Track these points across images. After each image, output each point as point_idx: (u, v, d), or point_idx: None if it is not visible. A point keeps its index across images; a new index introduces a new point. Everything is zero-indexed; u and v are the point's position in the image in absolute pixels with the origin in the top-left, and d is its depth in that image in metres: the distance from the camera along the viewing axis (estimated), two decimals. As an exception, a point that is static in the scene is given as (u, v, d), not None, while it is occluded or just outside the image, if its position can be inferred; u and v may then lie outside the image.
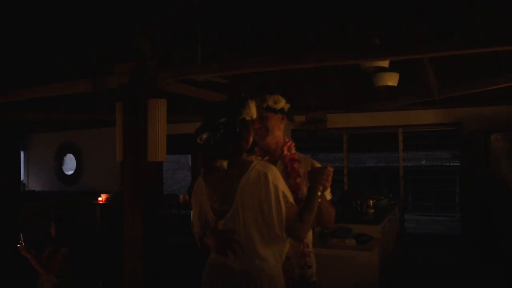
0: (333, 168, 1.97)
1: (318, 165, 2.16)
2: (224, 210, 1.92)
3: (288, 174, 2.21)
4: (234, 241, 1.88)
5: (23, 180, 9.88)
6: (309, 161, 2.24)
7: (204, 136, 1.91)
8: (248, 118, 1.94)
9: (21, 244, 3.89)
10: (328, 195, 2.20)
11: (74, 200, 8.08)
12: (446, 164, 9.62)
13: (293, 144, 2.34)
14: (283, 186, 1.86)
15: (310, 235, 2.27)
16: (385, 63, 4.02)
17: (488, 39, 2.28)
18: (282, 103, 2.27)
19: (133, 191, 3.56)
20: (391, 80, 4.60)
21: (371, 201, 4.20)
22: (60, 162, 9.49)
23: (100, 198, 7.78)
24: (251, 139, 1.99)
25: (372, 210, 4.06)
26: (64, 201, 7.96)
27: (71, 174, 9.34)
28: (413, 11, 3.29)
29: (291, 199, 1.87)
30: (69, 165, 9.47)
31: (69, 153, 9.40)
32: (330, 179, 1.93)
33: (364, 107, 6.54)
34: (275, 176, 1.85)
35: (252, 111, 1.95)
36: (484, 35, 2.28)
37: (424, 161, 10.24)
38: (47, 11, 3.29)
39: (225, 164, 1.89)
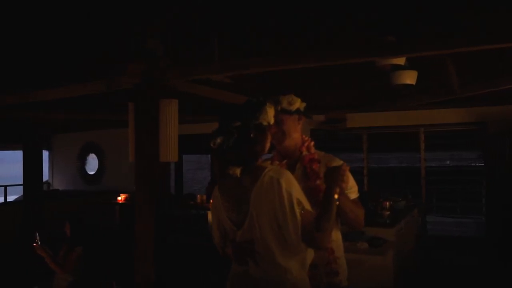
0: (348, 166, 1.87)
1: (340, 162, 2.05)
2: (241, 220, 1.85)
3: (308, 177, 2.12)
4: (254, 251, 1.81)
5: (47, 180, 10.13)
6: (329, 159, 2.14)
7: (218, 140, 1.84)
8: (264, 123, 1.86)
9: (37, 243, 3.97)
10: (353, 193, 2.12)
11: (94, 199, 8.22)
12: (472, 164, 9.31)
13: (312, 143, 2.23)
14: (297, 192, 1.77)
15: (338, 239, 2.16)
16: (400, 61, 3.88)
17: (489, 37, 2.18)
18: (297, 104, 2.17)
19: (144, 192, 3.58)
20: (409, 78, 4.45)
21: (387, 203, 4.07)
22: (83, 161, 9.68)
23: (119, 198, 7.88)
24: (267, 145, 1.91)
25: (388, 212, 3.93)
26: (85, 200, 8.10)
27: (94, 174, 9.50)
28: (417, 10, 3.20)
29: (307, 206, 1.78)
30: (92, 164, 9.65)
31: (91, 153, 9.57)
32: (346, 178, 1.84)
33: (382, 106, 6.39)
34: (289, 182, 1.76)
35: (269, 115, 1.87)
36: (484, 34, 2.18)
37: (448, 162, 9.94)
38: (58, 13, 3.32)
39: (238, 171, 1.82)
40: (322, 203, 1.80)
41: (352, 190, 2.12)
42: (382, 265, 3.37)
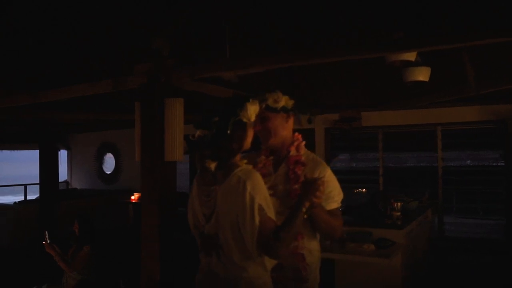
0: (324, 181, 1.84)
1: (325, 171, 2.04)
2: (209, 214, 1.87)
3: (289, 179, 2.07)
4: (218, 246, 1.84)
5: (66, 179, 10.31)
6: (314, 165, 2.08)
7: (198, 133, 1.86)
8: (244, 120, 1.84)
9: (46, 241, 4.02)
10: (334, 203, 2.07)
11: (110, 198, 8.29)
12: (494, 164, 9.02)
13: (303, 143, 2.17)
14: (261, 198, 1.75)
15: (313, 247, 2.11)
16: (411, 56, 3.76)
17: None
18: (283, 101, 2.10)
19: (150, 191, 3.58)
20: (422, 75, 4.33)
21: (398, 204, 3.95)
22: (100, 161, 9.79)
23: (132, 197, 7.92)
24: (246, 142, 1.90)
25: (398, 213, 3.81)
26: (100, 199, 8.19)
27: (110, 173, 9.60)
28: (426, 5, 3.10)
29: (269, 213, 1.76)
30: (109, 164, 9.75)
31: (108, 152, 9.67)
32: (319, 194, 1.80)
33: (398, 105, 6.24)
34: (255, 185, 1.75)
35: (250, 112, 1.85)
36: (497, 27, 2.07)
37: (469, 161, 9.63)
38: (66, 14, 3.35)
39: (213, 166, 1.83)
40: (288, 214, 1.79)
41: (334, 200, 2.07)
42: (389, 268, 3.28)
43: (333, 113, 6.90)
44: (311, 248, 2.09)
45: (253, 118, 1.87)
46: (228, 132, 1.80)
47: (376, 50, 2.67)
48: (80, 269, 4.03)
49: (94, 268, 4.10)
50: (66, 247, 4.21)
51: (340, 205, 2.11)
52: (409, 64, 4.00)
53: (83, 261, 4.04)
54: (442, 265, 5.32)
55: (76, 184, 10.19)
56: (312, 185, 1.80)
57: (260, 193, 1.75)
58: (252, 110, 1.85)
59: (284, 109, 2.10)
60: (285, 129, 2.13)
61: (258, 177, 1.79)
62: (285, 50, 3.83)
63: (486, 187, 8.25)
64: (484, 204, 8.98)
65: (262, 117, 2.05)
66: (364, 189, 7.75)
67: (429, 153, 7.53)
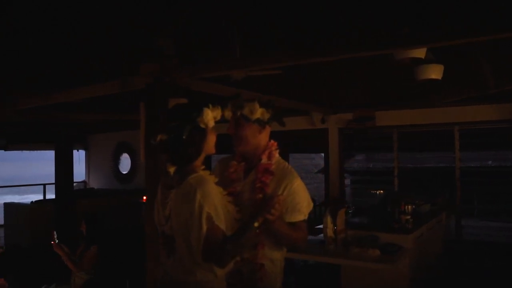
0: (280, 198, 1.82)
1: (293, 183, 2.02)
2: (167, 217, 1.92)
3: (254, 187, 2.06)
4: (174, 248, 1.88)
5: (84, 179, 10.46)
6: (282, 176, 2.05)
7: (160, 137, 1.87)
8: (202, 125, 1.86)
9: (54, 241, 4.06)
10: (300, 215, 2.04)
11: (124, 198, 8.35)
12: (517, 165, 8.71)
13: (276, 151, 2.14)
14: (210, 206, 1.76)
15: (276, 257, 2.07)
16: (420, 54, 3.62)
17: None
18: (258, 114, 2.09)
19: (153, 192, 3.55)
20: (435, 72, 4.18)
21: (409, 207, 3.81)
22: (116, 161, 9.88)
23: (144, 197, 7.92)
24: (206, 147, 1.91)
25: (408, 217, 3.67)
26: (114, 199, 8.25)
27: (127, 173, 9.67)
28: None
29: (217, 221, 1.76)
30: (125, 164, 9.82)
31: (124, 152, 9.75)
32: (274, 211, 1.79)
33: (413, 103, 6.07)
34: (205, 194, 1.77)
35: (207, 118, 1.86)
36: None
37: (490, 162, 9.33)
38: (71, 15, 3.36)
39: (171, 170, 1.86)
40: (238, 227, 1.80)
41: (301, 212, 2.04)
42: (397, 272, 3.16)
43: (347, 113, 6.76)
44: (273, 257, 2.06)
45: (211, 124, 1.88)
46: (184, 137, 1.81)
47: (377, 47, 2.58)
48: (87, 269, 4.06)
49: (101, 268, 4.12)
50: (77, 246, 4.25)
51: (306, 217, 2.08)
52: (420, 61, 3.86)
53: (91, 261, 4.07)
54: (456, 268, 5.14)
55: (94, 184, 10.33)
56: (268, 202, 1.79)
57: (209, 202, 1.75)
58: (210, 116, 1.86)
59: (258, 121, 2.09)
60: (256, 139, 2.12)
61: (210, 185, 1.81)
62: (285, 50, 3.76)
63: (509, 188, 7.96)
64: (507, 206, 8.67)
65: (236, 123, 2.08)
66: (381, 190, 7.58)
67: (448, 154, 7.32)
